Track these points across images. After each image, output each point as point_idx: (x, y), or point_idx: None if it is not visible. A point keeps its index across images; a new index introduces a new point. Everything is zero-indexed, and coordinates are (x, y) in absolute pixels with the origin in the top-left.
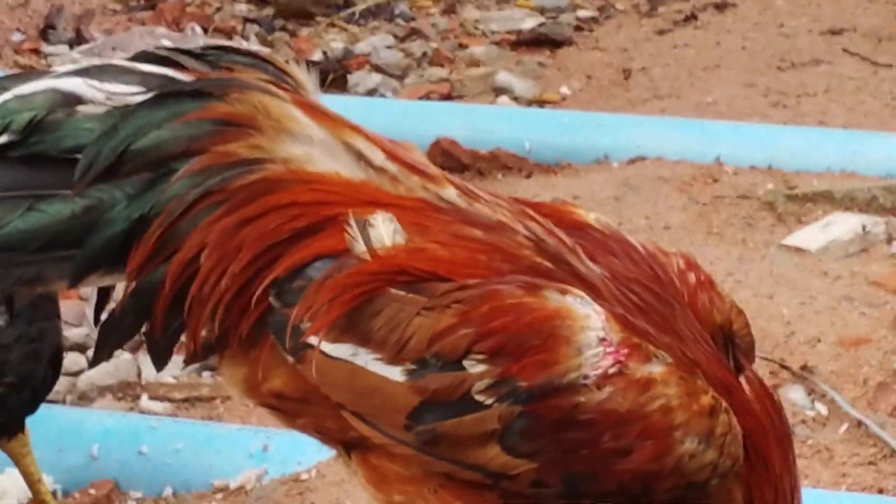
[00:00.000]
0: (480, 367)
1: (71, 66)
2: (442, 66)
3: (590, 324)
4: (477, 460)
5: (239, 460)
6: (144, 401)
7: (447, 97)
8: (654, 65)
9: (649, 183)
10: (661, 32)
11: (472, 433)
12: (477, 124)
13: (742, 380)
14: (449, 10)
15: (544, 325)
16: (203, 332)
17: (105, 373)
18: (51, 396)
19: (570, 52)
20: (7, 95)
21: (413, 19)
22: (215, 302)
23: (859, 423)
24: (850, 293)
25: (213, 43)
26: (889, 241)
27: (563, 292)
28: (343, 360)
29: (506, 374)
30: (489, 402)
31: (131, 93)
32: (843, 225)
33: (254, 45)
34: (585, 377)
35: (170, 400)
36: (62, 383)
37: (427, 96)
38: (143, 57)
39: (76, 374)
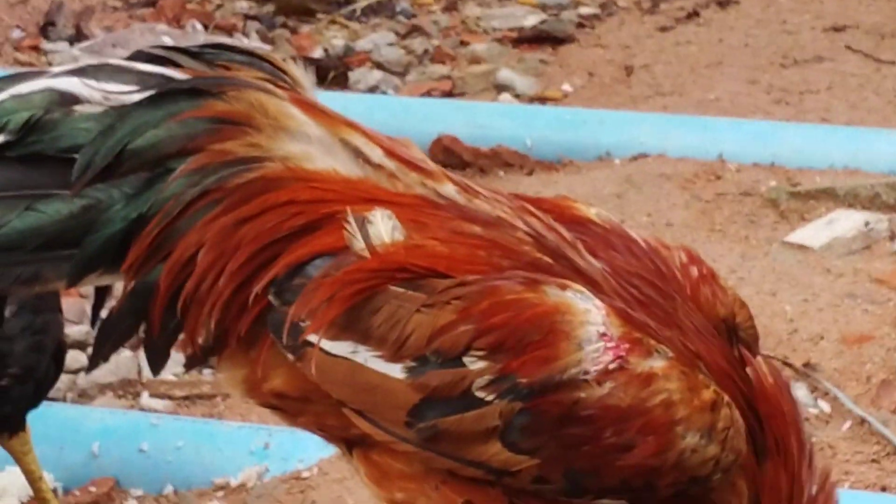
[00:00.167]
0: (480, 364)
1: (68, 66)
2: (443, 63)
3: (590, 319)
4: (478, 457)
5: (240, 458)
6: (145, 398)
7: (449, 94)
8: (656, 62)
9: (651, 180)
10: (663, 29)
11: (474, 430)
12: (478, 121)
13: (755, 366)
14: (450, 7)
15: (544, 321)
16: (201, 334)
17: (106, 370)
18: (51, 394)
19: (571, 49)
20: (4, 95)
21: (414, 16)
22: (213, 301)
23: (862, 421)
24: (853, 290)
25: (210, 41)
26: (892, 237)
27: (563, 287)
28: (343, 357)
29: (506, 370)
30: (490, 398)
31: (128, 92)
32: (846, 222)
33: (254, 43)
34: (586, 372)
35: (170, 397)
36: (63, 381)
37: (428, 93)
38: (140, 56)
39: (76, 371)
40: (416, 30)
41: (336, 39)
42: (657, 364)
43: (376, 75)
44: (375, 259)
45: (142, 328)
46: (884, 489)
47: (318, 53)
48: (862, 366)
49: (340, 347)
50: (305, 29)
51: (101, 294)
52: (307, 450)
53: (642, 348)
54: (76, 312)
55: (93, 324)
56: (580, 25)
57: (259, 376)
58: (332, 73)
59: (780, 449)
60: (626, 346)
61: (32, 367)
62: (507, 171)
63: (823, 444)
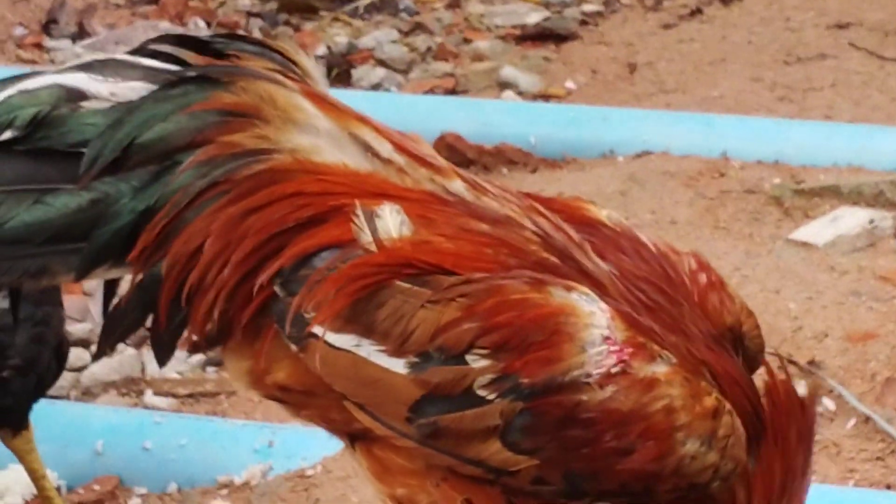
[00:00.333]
0: (483, 362)
1: (74, 62)
2: (446, 60)
3: (594, 321)
4: (478, 455)
5: (244, 456)
6: (149, 396)
7: (452, 92)
8: (659, 59)
9: (655, 177)
10: (666, 27)
11: (474, 428)
12: (482, 119)
13: (765, 371)
14: (453, 5)
15: (548, 322)
16: (206, 323)
17: (109, 368)
18: (55, 392)
19: (575, 46)
20: (11, 91)
21: (417, 13)
22: (217, 290)
23: (867, 419)
24: (857, 288)
25: (220, 32)
26: None
27: (569, 289)
28: (346, 350)
29: (508, 370)
30: (491, 397)
31: (135, 87)
32: (850, 219)
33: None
34: (588, 375)
35: (174, 395)
36: (66, 378)
37: (432, 91)
38: (147, 50)
39: (80, 369)
40: (419, 27)
41: (339, 37)
42: (660, 369)
43: (379, 73)
44: (382, 253)
45: (148, 321)
46: (888, 487)
47: (321, 51)
48: (866, 363)
49: (344, 340)
50: (308, 26)
51: (111, 287)
52: (311, 448)
53: (646, 353)
54: (79, 310)
55: (104, 316)
56: (583, 23)
57: (263, 368)
58: (335, 70)
59: (777, 439)
60: (630, 350)
61: (34, 358)
62: (511, 169)
63: (828, 441)
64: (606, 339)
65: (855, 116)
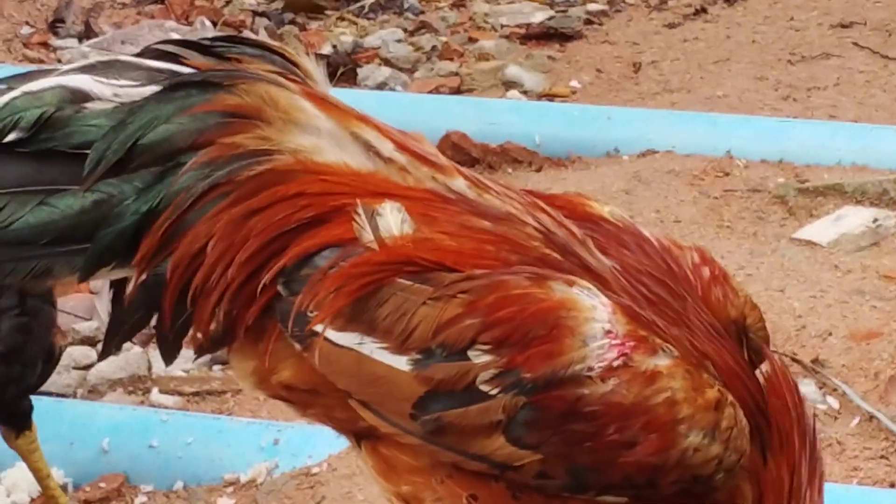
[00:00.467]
0: (485, 358)
1: (78, 63)
2: (451, 59)
3: (595, 315)
4: (482, 450)
5: (250, 454)
6: (155, 394)
7: (457, 91)
8: (664, 58)
9: (660, 176)
10: (670, 26)
11: (477, 423)
12: (487, 118)
13: (766, 365)
14: (458, 4)
15: (550, 316)
16: (211, 324)
17: (115, 367)
18: (61, 390)
19: (579, 45)
20: (16, 92)
21: (422, 13)
22: (221, 291)
23: (871, 417)
24: (861, 287)
25: (222, 35)
26: None
27: (570, 283)
28: (349, 348)
29: (510, 365)
30: (494, 392)
31: (139, 88)
32: (854, 218)
33: (263, 39)
34: (590, 369)
35: (180, 394)
36: (73, 377)
37: (437, 90)
38: (150, 52)
39: (86, 367)
40: (424, 26)
41: (344, 36)
42: (662, 362)
43: (385, 72)
44: (384, 251)
45: (153, 320)
46: (892, 485)
47: (326, 50)
48: (870, 362)
49: (347, 338)
50: (314, 25)
51: (119, 288)
52: (317, 446)
53: (647, 346)
54: (85, 308)
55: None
56: (588, 22)
57: (268, 368)
58: (341, 69)
59: (783, 444)
60: (631, 343)
61: (18, 348)
62: (516, 168)
63: (832, 440)
64: (608, 332)
65: (859, 115)
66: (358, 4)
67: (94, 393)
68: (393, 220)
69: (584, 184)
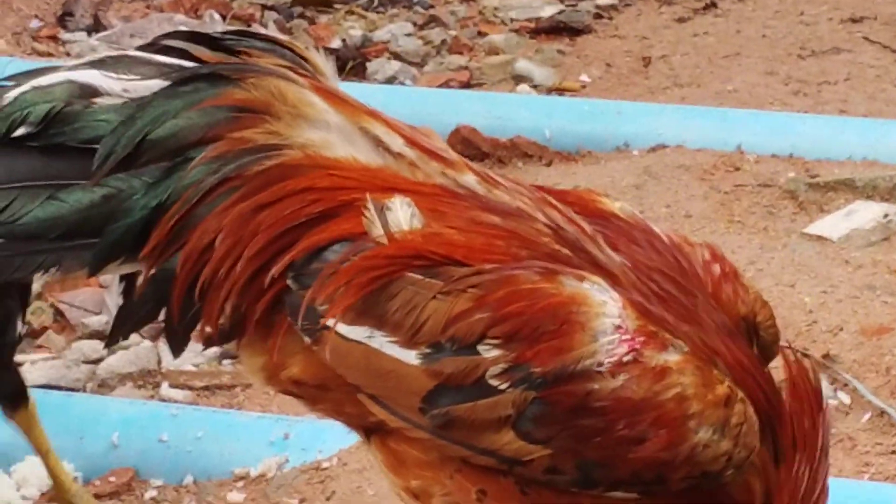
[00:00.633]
0: (495, 352)
1: (87, 58)
2: (461, 53)
3: (606, 310)
4: (491, 445)
5: (259, 448)
6: (165, 389)
7: (466, 85)
8: (674, 53)
9: (670, 171)
10: (680, 20)
11: (486, 418)
12: (497, 112)
13: (787, 366)
14: None
15: (560, 311)
16: (219, 318)
17: (125, 361)
18: (71, 385)
19: (589, 39)
20: (25, 87)
21: (432, 7)
22: (230, 286)
23: (882, 413)
24: (872, 282)
25: (231, 29)
26: None
27: (580, 279)
28: (359, 342)
29: (520, 360)
30: (503, 386)
31: (147, 83)
32: (865, 213)
33: (272, 33)
34: (600, 364)
35: (190, 388)
36: (83, 371)
37: (446, 84)
38: (159, 47)
39: (96, 361)
40: (433, 20)
41: (354, 30)
42: (672, 358)
43: (394, 66)
44: (393, 245)
45: (162, 314)
46: None
47: (335, 44)
48: (881, 357)
49: (356, 332)
50: (323, 19)
51: (132, 279)
52: (327, 440)
53: (657, 342)
54: (94, 302)
55: None
56: (598, 16)
57: (277, 363)
58: (350, 63)
59: (803, 446)
60: (642, 339)
61: None
62: (526, 162)
63: (843, 435)
64: (618, 328)
65: (869, 110)
66: None
67: (104, 387)
68: (402, 214)
69: (594, 178)
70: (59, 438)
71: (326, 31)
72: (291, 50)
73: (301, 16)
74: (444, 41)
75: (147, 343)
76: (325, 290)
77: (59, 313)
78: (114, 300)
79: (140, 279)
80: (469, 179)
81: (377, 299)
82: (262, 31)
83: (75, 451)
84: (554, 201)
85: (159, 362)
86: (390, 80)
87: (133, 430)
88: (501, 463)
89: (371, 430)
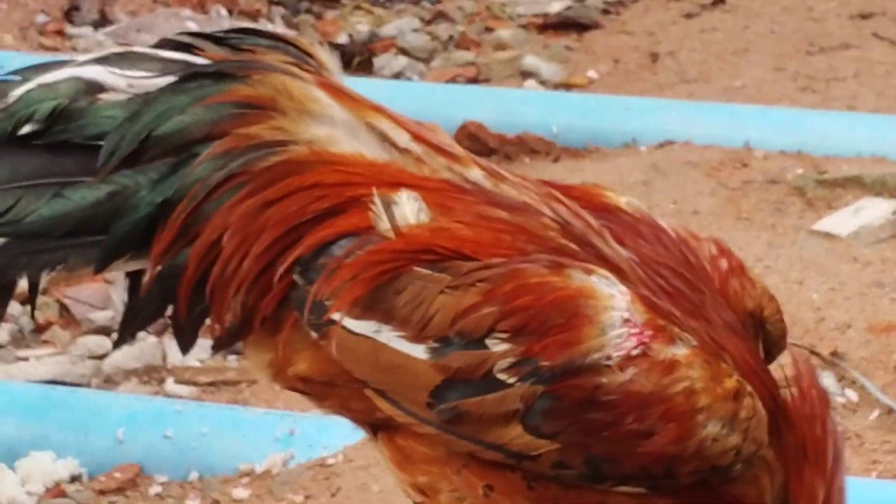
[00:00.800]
0: (503, 346)
1: (93, 54)
2: (468, 49)
3: (614, 304)
4: (499, 440)
5: (265, 444)
6: (170, 384)
7: (474, 81)
8: (681, 48)
9: (677, 167)
10: (688, 16)
11: (495, 412)
12: (504, 108)
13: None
14: None
15: (568, 305)
16: (227, 316)
17: (130, 356)
18: (76, 380)
19: (597, 35)
20: (30, 84)
21: (439, 2)
22: (238, 283)
23: (890, 410)
24: (880, 279)
25: (235, 26)
26: None
27: (588, 272)
28: (366, 336)
29: (528, 353)
30: (511, 381)
31: (153, 79)
32: (873, 210)
33: (279, 28)
34: (608, 358)
35: (195, 384)
36: (87, 366)
37: (453, 80)
38: (165, 43)
39: (101, 357)
40: (440, 16)
41: (361, 25)
42: (680, 352)
43: (401, 61)
44: (400, 240)
45: (168, 311)
46: None
47: (342, 39)
48: (889, 355)
49: (364, 326)
50: (330, 14)
51: (136, 278)
52: (332, 437)
53: (666, 335)
54: (100, 298)
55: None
56: (605, 12)
57: (284, 360)
58: (357, 59)
59: (817, 457)
60: (650, 332)
61: None
62: (533, 158)
63: (851, 433)
64: (626, 321)
65: (878, 107)
66: None
67: (109, 383)
68: (409, 208)
69: (601, 174)
70: (64, 434)
71: (333, 26)
72: (296, 46)
73: (308, 11)
74: (451, 37)
75: (152, 339)
76: (332, 284)
77: (64, 308)
78: (119, 296)
79: (146, 276)
80: (475, 174)
81: (385, 294)
82: (268, 26)
83: (80, 447)
84: (560, 196)
85: (164, 358)
86: (397, 76)
87: (138, 426)
88: (509, 458)
89: (378, 427)
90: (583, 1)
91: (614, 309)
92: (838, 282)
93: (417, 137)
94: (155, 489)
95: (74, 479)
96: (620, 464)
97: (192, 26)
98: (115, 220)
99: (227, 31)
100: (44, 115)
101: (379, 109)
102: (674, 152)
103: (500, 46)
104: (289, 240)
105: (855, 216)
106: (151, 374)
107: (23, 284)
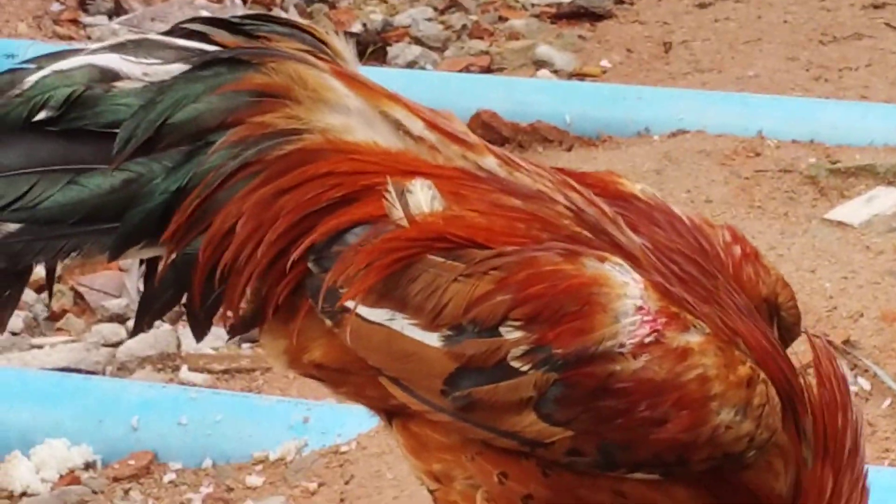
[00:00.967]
0: (516, 334)
1: (108, 42)
2: (482, 38)
3: (627, 292)
4: (513, 427)
5: (279, 432)
6: (184, 372)
7: (487, 70)
8: (694, 38)
9: (690, 156)
10: (701, 6)
11: (508, 400)
12: (517, 97)
13: (810, 349)
14: None
15: (581, 292)
16: (241, 303)
17: (145, 344)
18: (90, 367)
19: (610, 24)
20: (46, 71)
21: None
22: (251, 270)
23: None
24: (893, 268)
25: (251, 13)
26: None
27: (602, 260)
28: (380, 324)
29: (542, 341)
30: (525, 368)
31: (168, 67)
32: (886, 199)
33: (293, 17)
34: (622, 345)
35: (209, 371)
36: (102, 354)
37: (467, 69)
38: (179, 31)
39: (116, 345)
40: (454, 5)
41: (374, 14)
42: (694, 339)
43: (415, 50)
44: (414, 228)
45: (183, 298)
46: None
47: (356, 28)
48: None
49: (377, 314)
50: (344, 3)
51: (153, 264)
52: (346, 424)
53: (679, 323)
54: (114, 286)
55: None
56: (619, 1)
57: (299, 347)
58: (371, 48)
59: (833, 447)
60: (663, 320)
61: None
62: (547, 147)
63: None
64: (640, 309)
65: (891, 96)
66: None
67: (124, 370)
68: (423, 197)
69: (614, 163)
70: (79, 421)
71: (347, 15)
72: (311, 34)
73: (322, 0)
74: (464, 26)
75: (166, 326)
76: (346, 272)
77: (78, 296)
78: (133, 283)
79: (161, 264)
80: (490, 162)
81: (399, 281)
82: (283, 15)
83: (94, 435)
84: (574, 184)
85: (179, 346)
86: (411, 65)
87: (152, 414)
88: (523, 445)
89: (393, 414)
90: None
91: (627, 297)
92: (850, 270)
93: (432, 126)
94: (169, 476)
95: (89, 466)
96: (634, 451)
97: (206, 15)
98: (130, 208)
99: (242, 18)
100: (59, 101)
101: (394, 98)
102: (686, 141)
103: (514, 36)
104: (303, 228)
105: (867, 205)
106: (166, 362)
107: (38, 271)
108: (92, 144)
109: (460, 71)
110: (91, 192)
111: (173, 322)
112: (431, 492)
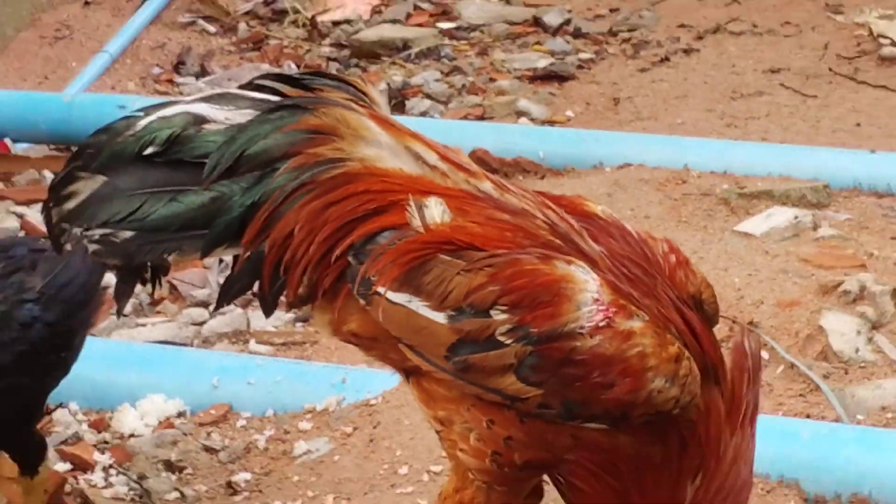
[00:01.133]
0: (503, 316)
1: (198, 95)
2: (477, 94)
3: (587, 287)
4: (498, 386)
5: (323, 389)
6: (252, 344)
7: (481, 118)
8: (637, 95)
9: (634, 184)
10: (642, 70)
11: (495, 365)
12: (504, 139)
13: (742, 334)
14: (482, 53)
15: (553, 286)
16: (298, 288)
17: (222, 323)
18: (182, 341)
19: (573, 84)
20: (152, 117)
21: (455, 59)
22: (305, 263)
23: (792, 365)
24: (785, 267)
25: (307, 71)
26: (815, 228)
27: (569, 262)
28: (401, 305)
29: (522, 322)
30: (508, 342)
31: (244, 113)
32: (780, 216)
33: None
34: (582, 327)
35: (271, 344)
36: (190, 331)
37: (465, 117)
38: (253, 85)
39: (201, 324)
40: (456, 69)
41: (396, 76)
42: (636, 324)
43: (426, 103)
44: (428, 234)
45: (255, 286)
46: (808, 416)
47: (382, 87)
48: (792, 324)
49: (399, 297)
50: (373, 68)
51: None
52: (375, 384)
53: (626, 312)
54: (200, 279)
55: None
56: (580, 66)
57: (340, 320)
58: (393, 101)
59: (734, 409)
60: (614, 309)
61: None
62: (525, 177)
63: (763, 383)
64: (596, 300)
65: (784, 138)
66: (406, 53)
67: (206, 343)
68: (436, 210)
69: (576, 188)
70: (173, 382)
71: (375, 77)
72: (354, 86)
73: (356, 65)
74: (464, 85)
75: (239, 310)
76: (377, 265)
77: (172, 287)
78: (214, 277)
79: (238, 260)
80: (487, 186)
81: (416, 273)
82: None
83: (184, 391)
84: (551, 203)
85: (248, 324)
86: (423, 114)
87: (228, 376)
88: (505, 399)
89: (409, 373)
90: (563, 59)
91: (587, 291)
92: (754, 269)
93: (444, 157)
94: (241, 423)
95: (180, 414)
96: (589, 407)
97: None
98: (216, 218)
99: (301, 74)
100: (162, 140)
101: (415, 135)
102: (631, 172)
103: (501, 92)
104: (344, 231)
105: (766, 220)
106: (238, 337)
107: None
108: (187, 171)
109: (461, 119)
110: (187, 207)
111: (244, 306)
112: (438, 432)
